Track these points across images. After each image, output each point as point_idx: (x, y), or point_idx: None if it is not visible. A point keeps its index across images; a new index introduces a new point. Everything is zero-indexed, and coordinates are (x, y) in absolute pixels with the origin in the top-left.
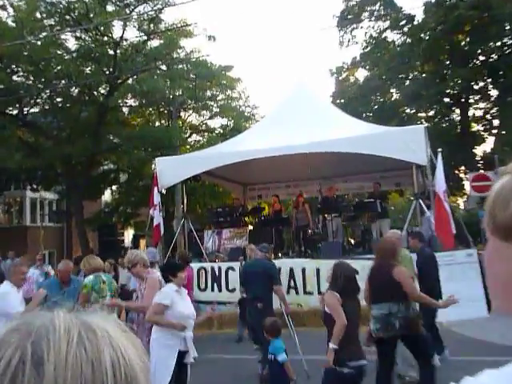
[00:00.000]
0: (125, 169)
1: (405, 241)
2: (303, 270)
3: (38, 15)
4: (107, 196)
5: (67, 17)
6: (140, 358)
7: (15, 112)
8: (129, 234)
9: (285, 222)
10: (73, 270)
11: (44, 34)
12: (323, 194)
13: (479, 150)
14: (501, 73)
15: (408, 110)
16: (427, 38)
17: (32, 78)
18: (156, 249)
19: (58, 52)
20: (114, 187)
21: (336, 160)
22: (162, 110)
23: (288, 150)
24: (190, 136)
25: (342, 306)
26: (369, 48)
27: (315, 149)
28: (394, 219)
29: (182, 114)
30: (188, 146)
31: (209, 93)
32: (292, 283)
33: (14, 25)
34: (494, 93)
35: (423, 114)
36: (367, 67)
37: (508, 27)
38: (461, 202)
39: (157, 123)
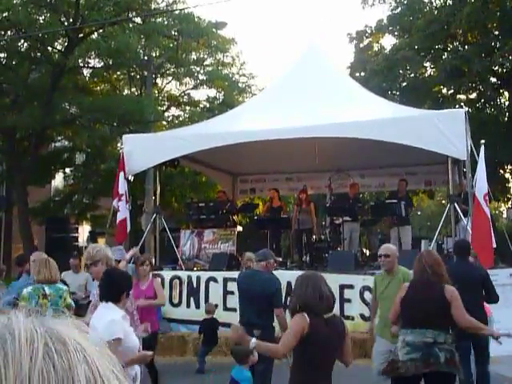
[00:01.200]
0: (83, 147)
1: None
2: None
3: None
4: (58, 181)
5: None
6: (116, 376)
7: None
8: (84, 231)
9: (284, 224)
10: (12, 273)
11: None
12: (333, 191)
13: None
14: None
15: (444, 90)
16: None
17: None
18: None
19: None
20: (67, 170)
21: (352, 148)
22: (133, 74)
23: (291, 132)
24: (167, 109)
25: (312, 333)
26: (399, 9)
27: (326, 133)
28: (419, 226)
29: (159, 80)
30: (165, 122)
31: (194, 55)
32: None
33: None
34: None
35: (463, 96)
36: (396, 33)
37: None
38: (504, 208)
39: (126, 91)
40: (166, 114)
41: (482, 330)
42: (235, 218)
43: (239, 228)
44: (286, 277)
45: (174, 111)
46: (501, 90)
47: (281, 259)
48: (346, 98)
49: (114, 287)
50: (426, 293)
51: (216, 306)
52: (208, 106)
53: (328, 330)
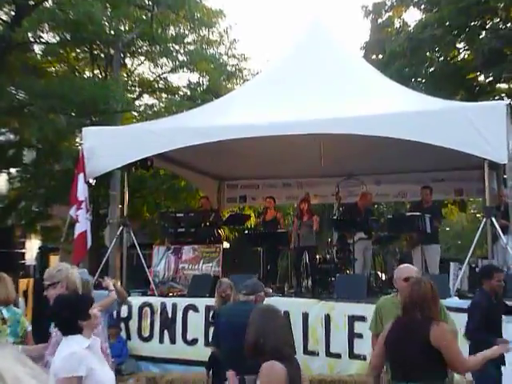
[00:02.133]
0: (32, 143)
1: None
2: (305, 317)
3: None
4: (1, 184)
5: None
6: None
7: None
8: (32, 246)
9: (281, 240)
10: None
11: None
12: (342, 201)
13: None
14: None
15: (481, 78)
16: None
17: None
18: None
19: None
20: (12, 171)
21: (366, 148)
22: (96, 53)
23: (291, 128)
24: (139, 97)
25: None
26: None
27: (334, 128)
28: (448, 245)
29: (129, 61)
30: (135, 113)
31: (172, 31)
32: None
33: None
34: None
35: (504, 86)
36: (422, 6)
37: None
38: None
39: (88, 74)
40: (137, 102)
41: (493, 353)
42: (221, 231)
43: (226, 244)
44: (283, 305)
45: (146, 99)
46: None
47: (275, 285)
48: (359, 86)
49: (68, 316)
50: (405, 335)
51: (195, 340)
52: (189, 93)
53: (297, 373)
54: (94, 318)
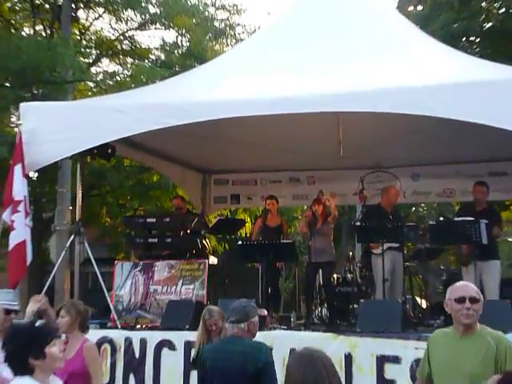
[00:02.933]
0: None
1: None
2: None
3: None
4: None
5: None
6: None
7: None
8: None
9: (286, 254)
10: None
11: None
12: (367, 201)
13: None
14: None
15: None
16: None
17: None
18: (14, 291)
19: None
20: None
21: (399, 132)
22: (39, 2)
23: (300, 104)
24: (96, 62)
25: None
26: None
27: (357, 105)
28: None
29: (82, 14)
30: (91, 84)
31: None
32: None
33: None
34: None
35: None
36: None
37: None
38: None
39: (27, 30)
40: (94, 69)
41: None
42: (206, 242)
43: (213, 259)
44: (289, 342)
45: (106, 65)
46: None
47: (278, 314)
48: (391, 47)
49: (14, 351)
50: None
51: None
52: (163, 57)
53: None
54: (51, 358)
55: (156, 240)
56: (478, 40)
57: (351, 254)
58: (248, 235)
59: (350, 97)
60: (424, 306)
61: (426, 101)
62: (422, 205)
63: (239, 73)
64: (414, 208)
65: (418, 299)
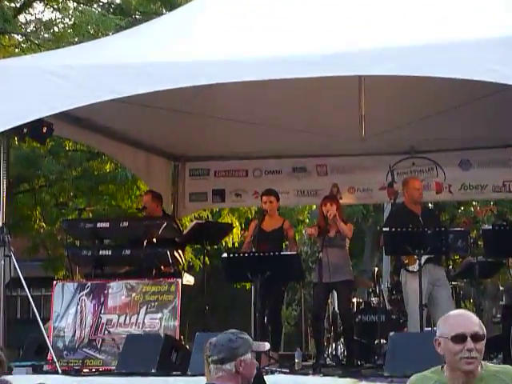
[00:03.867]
0: None
1: None
2: None
3: None
4: None
5: None
6: None
7: None
8: None
9: (289, 270)
10: None
11: None
12: (398, 198)
13: None
14: None
15: None
16: None
17: None
18: None
19: None
20: None
21: (441, 104)
22: None
23: (307, 66)
24: (25, 8)
25: None
26: None
27: (383, 68)
28: None
29: None
30: (19, 37)
31: None
32: None
33: None
34: None
35: None
36: None
37: None
38: None
39: None
40: (23, 17)
41: None
42: (179, 254)
43: (188, 278)
44: None
45: (40, 12)
46: None
47: (278, 353)
48: None
49: None
50: None
51: None
52: (118, 1)
53: None
54: None
55: (110, 252)
56: None
57: (377, 270)
58: (237, 245)
59: (376, 57)
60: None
61: (483, 61)
62: (474, 203)
63: (224, 24)
64: (462, 208)
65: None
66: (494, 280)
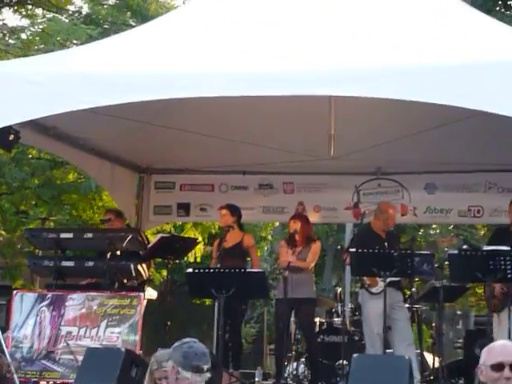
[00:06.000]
0: None
1: None
2: None
3: None
4: None
5: None
6: None
7: None
8: None
9: (252, 287)
10: None
11: None
12: (364, 218)
13: None
14: None
15: None
16: None
17: None
18: None
19: None
20: None
21: (410, 126)
22: None
23: (278, 84)
24: None
25: None
26: None
27: (356, 89)
28: None
29: None
30: None
31: None
32: None
33: None
34: None
35: None
36: None
37: None
38: None
39: None
40: None
41: None
42: (143, 268)
43: (151, 293)
44: None
45: (8, 18)
46: None
47: (238, 371)
48: (405, 10)
49: None
50: None
51: None
52: (88, 10)
53: None
54: None
55: (72, 263)
56: None
57: (339, 290)
58: (199, 260)
59: (347, 77)
60: (436, 364)
61: (454, 86)
62: (434, 226)
63: (196, 37)
64: (422, 230)
65: (431, 355)
66: (451, 304)
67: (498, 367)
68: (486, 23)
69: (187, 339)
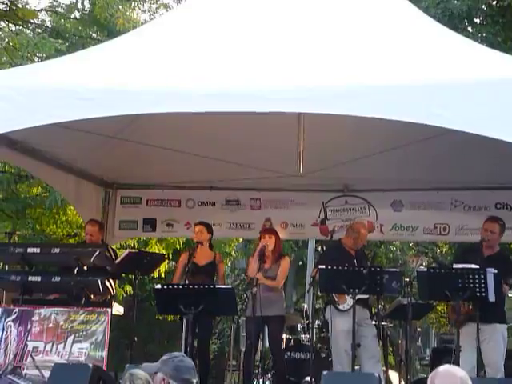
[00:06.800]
0: None
1: None
2: None
3: None
4: None
5: None
6: None
7: None
8: None
9: (224, 304)
10: None
11: None
12: (334, 235)
13: None
14: None
15: None
16: None
17: None
18: None
19: None
20: None
21: (378, 144)
22: None
23: (247, 101)
24: None
25: None
26: None
27: (326, 106)
28: None
29: None
30: None
31: None
32: None
33: None
34: None
35: None
36: None
37: None
38: None
39: None
40: None
41: None
42: (110, 284)
43: (118, 308)
44: None
45: None
46: None
47: None
48: (372, 26)
49: None
50: None
51: None
52: (54, 24)
53: None
54: None
55: (39, 278)
56: (482, 21)
57: (305, 307)
58: (163, 275)
59: (316, 95)
60: (402, 383)
61: (427, 105)
62: (394, 242)
63: (164, 54)
64: (382, 246)
65: (395, 374)
66: (412, 321)
67: None
68: (455, 41)
69: (176, 353)
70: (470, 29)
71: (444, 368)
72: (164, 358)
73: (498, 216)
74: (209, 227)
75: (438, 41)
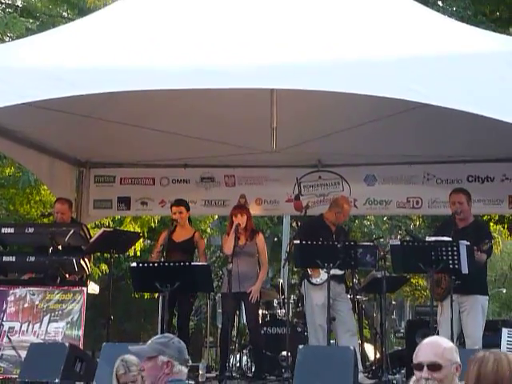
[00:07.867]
0: None
1: None
2: None
3: None
4: None
5: None
6: None
7: None
8: None
9: (200, 281)
10: None
11: None
12: (307, 210)
13: None
14: None
15: None
16: None
17: None
18: None
19: None
20: None
21: (350, 119)
22: None
23: (220, 78)
24: None
25: None
26: None
27: (298, 82)
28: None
29: None
30: None
31: None
32: None
33: None
34: None
35: None
36: None
37: None
38: None
39: None
40: None
41: None
42: (85, 263)
43: (93, 287)
44: None
45: None
46: None
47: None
48: (347, 5)
49: None
50: None
51: None
52: (25, 3)
53: None
54: None
55: (14, 258)
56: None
57: (281, 282)
58: (138, 254)
59: (289, 71)
60: (377, 355)
61: (393, 78)
62: (369, 217)
63: (138, 31)
64: (356, 221)
65: (372, 347)
66: (387, 294)
67: (418, 367)
68: (427, 15)
69: (167, 334)
70: (440, 3)
71: (430, 338)
72: (161, 340)
73: (461, 187)
74: (187, 206)
75: (409, 16)
